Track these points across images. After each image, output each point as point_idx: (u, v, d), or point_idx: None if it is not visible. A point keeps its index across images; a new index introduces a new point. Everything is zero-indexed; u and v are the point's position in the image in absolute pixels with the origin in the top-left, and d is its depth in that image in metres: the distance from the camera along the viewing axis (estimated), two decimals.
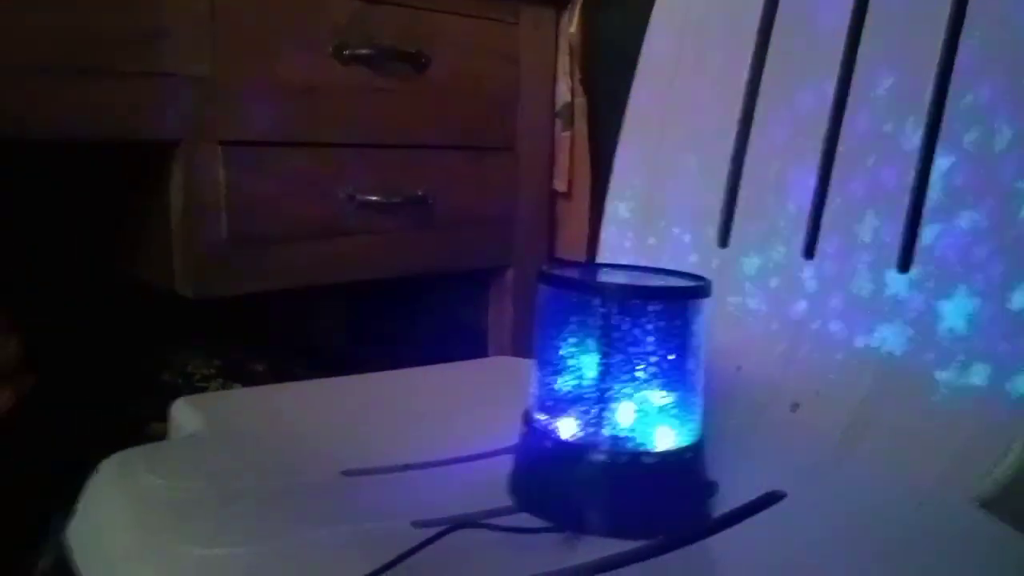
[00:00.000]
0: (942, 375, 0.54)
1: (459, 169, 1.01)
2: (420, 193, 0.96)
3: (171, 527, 0.39)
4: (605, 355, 0.45)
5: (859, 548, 0.46)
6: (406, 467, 0.52)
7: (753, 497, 0.49)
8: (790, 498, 0.50)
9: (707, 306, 0.47)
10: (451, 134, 0.99)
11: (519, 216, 1.09)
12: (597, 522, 0.45)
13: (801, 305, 0.65)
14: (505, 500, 0.49)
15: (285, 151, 0.84)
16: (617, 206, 0.79)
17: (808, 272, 0.65)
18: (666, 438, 0.46)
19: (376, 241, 0.93)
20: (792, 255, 0.66)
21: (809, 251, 0.65)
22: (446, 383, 0.74)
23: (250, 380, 1.08)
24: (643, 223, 0.77)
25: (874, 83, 0.59)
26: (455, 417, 0.64)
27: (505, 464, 0.51)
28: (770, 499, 0.50)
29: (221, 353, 1.11)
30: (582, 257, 1.17)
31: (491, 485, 0.50)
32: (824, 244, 0.64)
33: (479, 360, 0.82)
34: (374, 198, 0.91)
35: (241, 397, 0.60)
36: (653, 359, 0.45)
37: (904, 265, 0.58)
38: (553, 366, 0.48)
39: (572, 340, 0.46)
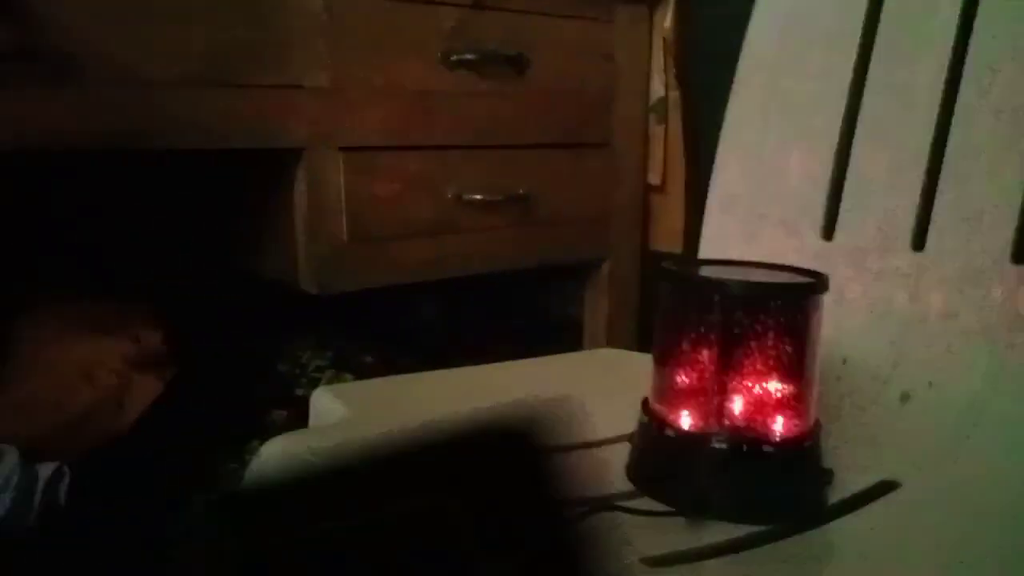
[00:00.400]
0: None
1: (557, 166, 1.04)
2: (521, 191, 0.99)
3: None
4: (726, 349, 0.48)
5: (976, 541, 0.47)
6: None
7: (866, 486, 0.51)
8: (904, 488, 0.52)
9: (823, 301, 0.49)
10: (550, 133, 1.02)
11: (615, 211, 1.12)
12: (719, 507, 0.47)
13: (908, 295, 0.66)
14: (624, 485, 0.52)
15: (397, 154, 0.89)
16: (719, 200, 0.81)
17: (916, 263, 0.66)
18: (784, 428, 0.49)
19: (480, 238, 0.97)
20: (899, 246, 0.67)
21: (919, 242, 0.65)
22: (557, 373, 0.78)
23: (360, 371, 1.14)
24: (745, 216, 0.79)
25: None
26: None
27: (619, 451, 0.54)
28: (884, 488, 0.52)
29: (332, 345, 1.18)
30: (676, 250, 1.19)
31: (608, 471, 0.54)
32: (932, 237, 0.65)
33: (586, 352, 0.85)
34: (478, 197, 0.95)
35: (376, 386, 0.64)
36: (772, 352, 0.48)
37: (1018, 256, 0.58)
38: (674, 359, 0.51)
39: (694, 334, 0.49)
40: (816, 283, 0.48)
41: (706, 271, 0.52)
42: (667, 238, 1.20)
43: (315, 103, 0.82)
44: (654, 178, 1.16)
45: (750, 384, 0.48)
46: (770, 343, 0.47)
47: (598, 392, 0.71)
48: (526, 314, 1.32)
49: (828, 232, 0.72)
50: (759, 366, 0.48)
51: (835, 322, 0.68)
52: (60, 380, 0.78)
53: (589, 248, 1.11)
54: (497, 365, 0.76)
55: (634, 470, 0.53)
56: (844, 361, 0.68)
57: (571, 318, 1.25)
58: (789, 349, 0.48)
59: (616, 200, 1.12)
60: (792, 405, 0.49)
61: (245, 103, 0.78)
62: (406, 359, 1.21)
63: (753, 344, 0.47)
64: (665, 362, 0.51)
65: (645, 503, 0.50)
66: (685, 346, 0.50)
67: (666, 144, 1.14)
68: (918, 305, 0.64)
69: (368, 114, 0.86)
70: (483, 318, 1.34)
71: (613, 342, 1.16)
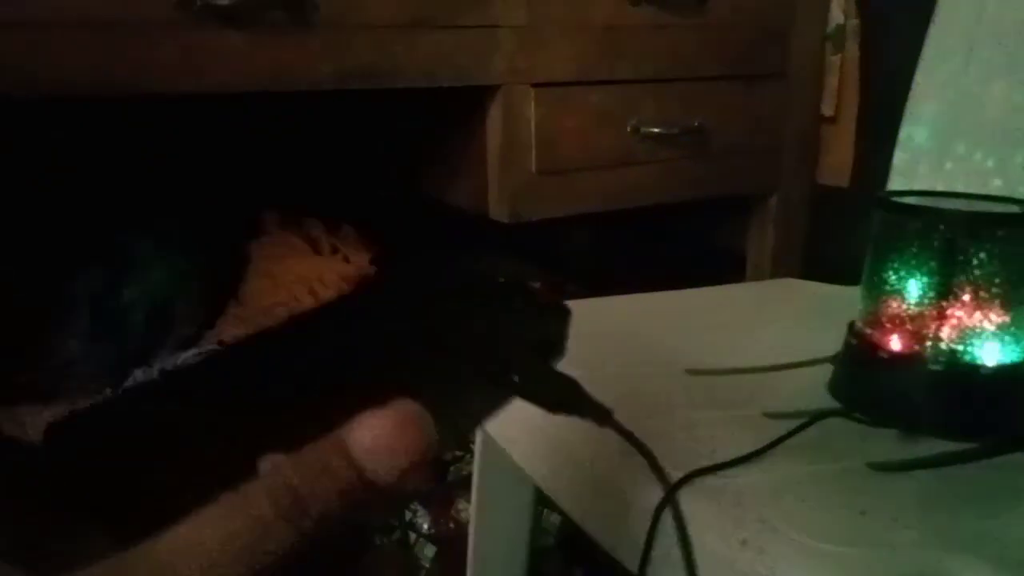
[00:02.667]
0: None
1: (733, 98, 1.05)
2: (696, 123, 1.01)
3: None
4: (945, 276, 0.50)
5: None
6: (736, 370, 0.60)
7: None
8: None
9: None
10: (727, 64, 1.03)
11: (786, 142, 1.12)
12: (932, 424, 0.50)
13: None
14: (829, 403, 0.56)
15: (584, 89, 0.93)
16: (913, 131, 0.80)
17: None
18: (999, 353, 0.51)
19: (656, 170, 1.00)
20: None
21: None
22: (741, 300, 0.81)
23: None
24: (941, 148, 0.78)
25: None
26: (759, 330, 0.71)
27: (817, 373, 0.58)
28: None
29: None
30: (843, 184, 1.17)
31: (811, 389, 0.57)
32: None
33: (767, 281, 0.88)
34: (656, 130, 0.98)
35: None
36: (993, 280, 0.50)
37: None
38: (888, 285, 0.53)
39: (912, 261, 0.52)
40: None
41: (923, 201, 0.54)
42: (835, 171, 1.19)
43: (512, 41, 0.87)
44: (827, 109, 1.15)
45: (967, 312, 0.50)
46: (990, 272, 0.49)
47: (786, 318, 0.74)
48: (690, 246, 1.35)
49: None
50: (978, 294, 0.50)
51: None
52: (288, 293, 0.89)
53: (760, 180, 1.12)
54: (686, 291, 0.80)
55: (841, 389, 0.56)
56: None
57: (734, 251, 1.26)
58: (1007, 278, 0.50)
59: (788, 132, 1.12)
60: (1011, 332, 0.51)
61: (452, 43, 0.84)
62: (572, 287, 1.27)
63: (975, 272, 0.49)
64: (879, 287, 0.54)
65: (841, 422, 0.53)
66: (902, 272, 0.52)
67: (842, 74, 1.13)
68: None
69: (560, 51, 0.90)
70: (647, 249, 1.38)
71: (777, 276, 1.18)
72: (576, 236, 1.43)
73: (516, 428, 0.55)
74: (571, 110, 0.92)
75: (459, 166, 0.97)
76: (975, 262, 0.49)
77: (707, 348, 0.65)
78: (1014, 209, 0.52)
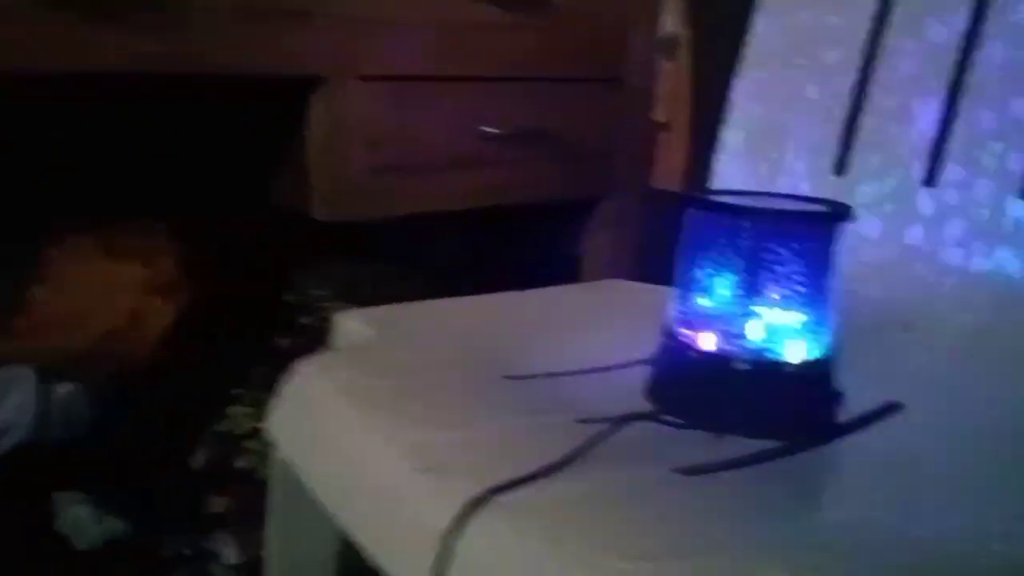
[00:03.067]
0: None
1: (570, 101, 1.04)
2: (535, 124, 1.00)
3: (386, 412, 0.46)
4: (752, 274, 0.50)
5: (976, 458, 0.50)
6: (554, 374, 0.58)
7: (874, 407, 0.54)
8: (908, 409, 0.55)
9: (845, 230, 0.51)
10: (565, 66, 1.02)
11: (622, 146, 1.13)
12: (739, 424, 0.50)
13: (917, 231, 0.68)
14: (645, 405, 0.55)
15: (418, 85, 0.89)
16: (731, 134, 0.82)
17: (926, 199, 0.68)
18: (802, 351, 0.51)
19: (492, 172, 0.98)
20: (910, 183, 0.69)
21: (930, 178, 0.67)
22: (567, 302, 0.80)
23: (366, 301, 1.16)
24: (757, 151, 0.80)
25: (1012, 10, 0.61)
26: (583, 333, 0.69)
27: (635, 374, 0.57)
28: (889, 408, 0.55)
29: (336, 275, 1.19)
30: (676, 189, 1.20)
31: (628, 391, 0.56)
32: (945, 172, 0.67)
33: (594, 283, 0.87)
34: (493, 130, 0.96)
35: (398, 311, 0.66)
36: (797, 278, 0.50)
37: None
38: (697, 283, 0.53)
39: (719, 259, 0.51)
40: (842, 212, 0.50)
41: (729, 200, 0.54)
42: (668, 177, 1.22)
43: (338, 31, 0.82)
44: (660, 115, 1.17)
45: (771, 309, 0.50)
46: (794, 270, 0.50)
47: (610, 319, 0.73)
48: (526, 248, 1.34)
49: (840, 166, 0.74)
50: (781, 292, 0.50)
51: (846, 256, 0.71)
52: (78, 303, 0.80)
53: (595, 183, 1.12)
54: (514, 293, 0.78)
55: (656, 391, 0.55)
56: (854, 292, 0.70)
57: (570, 253, 1.26)
58: (811, 277, 0.50)
59: (622, 136, 1.13)
60: (812, 329, 0.51)
61: (273, 33, 0.78)
62: (408, 292, 1.23)
63: (778, 270, 0.49)
64: (689, 286, 0.53)
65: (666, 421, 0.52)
66: (710, 270, 0.52)
67: (674, 81, 1.15)
68: (928, 239, 0.66)
69: (391, 43, 0.85)
70: (482, 252, 1.36)
71: (612, 278, 1.18)
72: (424, 238, 1.39)
73: (305, 442, 0.50)
74: (405, 107, 0.88)
75: (284, 163, 0.91)
76: (777, 259, 0.49)
77: (530, 352, 0.63)
78: (818, 209, 0.53)
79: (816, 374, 0.52)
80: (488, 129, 0.95)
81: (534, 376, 0.57)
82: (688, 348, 0.53)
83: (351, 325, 0.63)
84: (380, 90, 0.86)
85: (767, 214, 0.49)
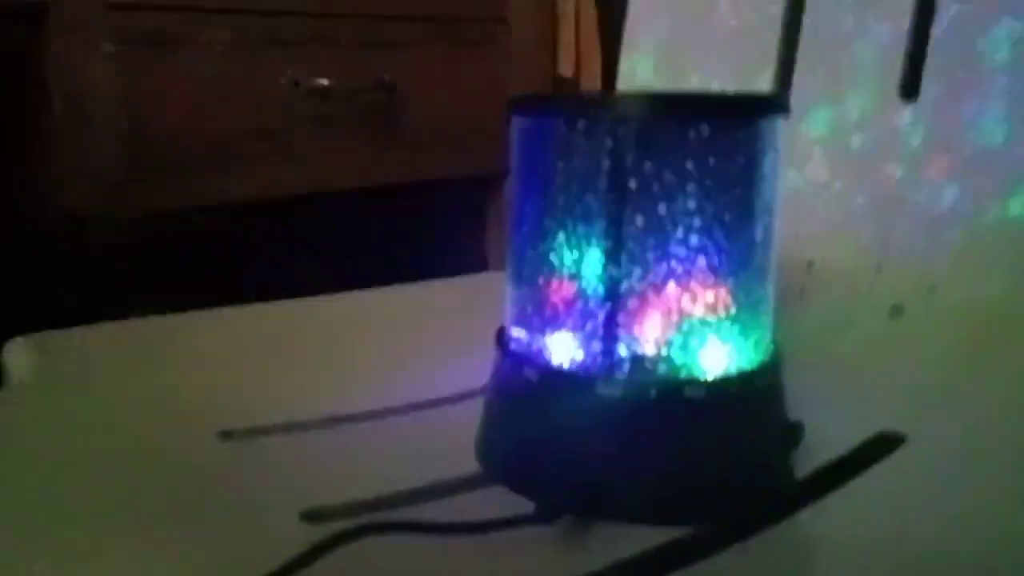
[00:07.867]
0: None
1: (433, 52, 0.82)
2: (386, 79, 0.77)
3: None
4: (617, 221, 0.27)
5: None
6: (294, 426, 0.34)
7: (854, 443, 0.30)
8: (911, 442, 0.31)
9: (781, 137, 0.29)
10: (423, 5, 0.80)
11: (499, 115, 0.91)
12: (612, 501, 0.27)
13: (897, 169, 0.47)
14: (470, 465, 0.31)
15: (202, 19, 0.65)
16: (634, 61, 0.61)
17: (906, 121, 0.46)
18: (721, 358, 0.28)
19: (327, 145, 0.75)
20: (879, 101, 0.47)
21: (909, 88, 0.45)
22: (420, 305, 0.56)
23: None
24: (668, 79, 0.59)
25: None
26: (418, 348, 0.46)
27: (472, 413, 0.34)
28: (882, 445, 0.31)
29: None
30: None
31: (451, 442, 0.33)
32: (928, 81, 0.45)
33: (469, 277, 0.63)
34: (324, 82, 0.73)
35: (91, 334, 0.42)
36: (698, 224, 0.27)
37: None
38: (534, 251, 0.30)
39: (563, 204, 0.28)
40: (768, 103, 0.28)
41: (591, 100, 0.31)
42: None
43: None
44: (566, 69, 0.95)
45: (661, 283, 0.27)
46: (693, 207, 0.27)
47: (468, 327, 0.50)
48: (421, 242, 1.13)
49: (782, 93, 0.51)
50: (676, 249, 0.27)
51: (796, 214, 0.49)
52: None
53: (482, 161, 0.89)
54: (329, 297, 0.55)
55: (482, 441, 0.32)
56: (810, 265, 0.48)
57: (477, 245, 1.06)
58: (726, 218, 0.27)
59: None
60: (735, 319, 0.28)
61: None
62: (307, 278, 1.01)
63: (663, 208, 0.26)
64: (524, 259, 0.30)
65: (497, 495, 0.29)
66: (555, 221, 0.29)
67: (578, 27, 0.94)
68: (914, 180, 0.45)
69: None
70: (361, 243, 1.15)
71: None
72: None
73: None
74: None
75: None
76: (660, 190, 0.26)
77: (303, 388, 0.40)
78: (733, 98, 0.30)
79: (751, 397, 0.29)
80: (310, 83, 0.72)
81: (266, 431, 0.33)
82: (527, 363, 0.30)
83: (19, 356, 0.40)
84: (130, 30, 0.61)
85: (634, 110, 0.26)
